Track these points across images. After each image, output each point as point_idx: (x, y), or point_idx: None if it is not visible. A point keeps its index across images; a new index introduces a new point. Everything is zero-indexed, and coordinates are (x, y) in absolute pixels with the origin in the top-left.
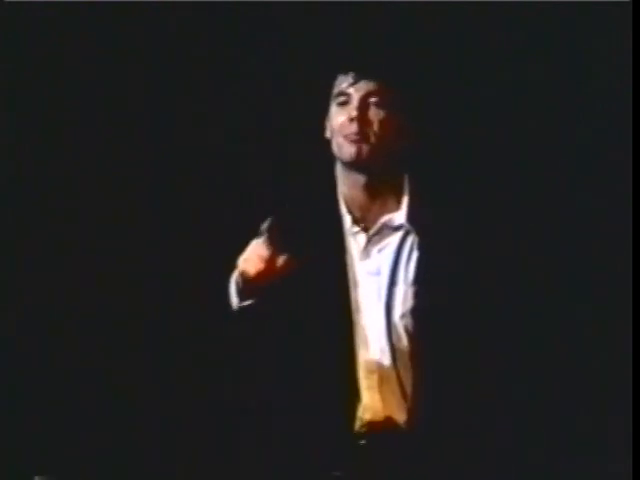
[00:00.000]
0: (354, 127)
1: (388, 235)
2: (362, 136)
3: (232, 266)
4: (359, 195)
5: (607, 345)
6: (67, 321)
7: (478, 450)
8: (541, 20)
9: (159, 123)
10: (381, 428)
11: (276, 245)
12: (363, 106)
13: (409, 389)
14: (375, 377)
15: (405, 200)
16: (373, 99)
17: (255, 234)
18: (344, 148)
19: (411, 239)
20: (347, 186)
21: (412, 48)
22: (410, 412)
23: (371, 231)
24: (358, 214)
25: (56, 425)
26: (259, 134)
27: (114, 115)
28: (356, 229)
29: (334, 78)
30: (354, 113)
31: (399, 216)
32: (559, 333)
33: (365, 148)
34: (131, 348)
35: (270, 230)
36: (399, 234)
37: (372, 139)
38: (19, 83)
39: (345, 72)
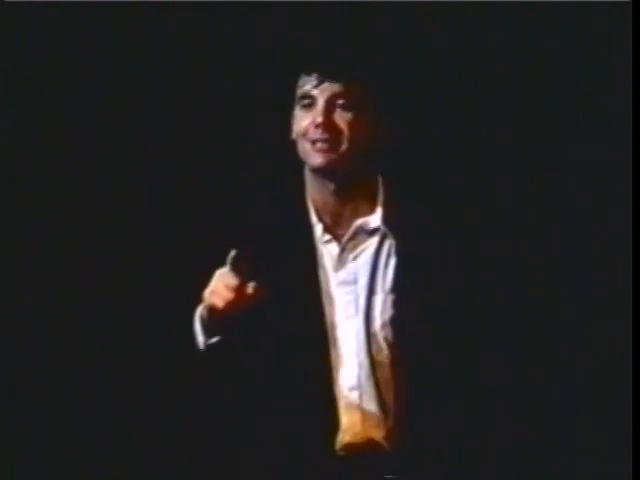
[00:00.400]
0: (320, 133)
1: (363, 240)
2: (330, 143)
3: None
4: (330, 199)
5: (607, 345)
6: (67, 321)
7: (465, 466)
8: (541, 20)
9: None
10: (361, 449)
11: (243, 273)
12: (329, 110)
13: (391, 405)
14: (355, 394)
15: (380, 201)
16: (340, 101)
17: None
18: (311, 155)
19: (388, 243)
20: (317, 190)
21: (377, 46)
22: (392, 430)
23: (345, 237)
24: (330, 220)
25: (56, 425)
26: (223, 138)
27: (114, 115)
28: (328, 237)
29: (297, 79)
30: (320, 119)
31: (374, 219)
32: (552, 335)
33: (333, 156)
34: (132, 348)
35: (235, 261)
36: (375, 238)
37: (341, 145)
38: (19, 83)
39: (308, 73)
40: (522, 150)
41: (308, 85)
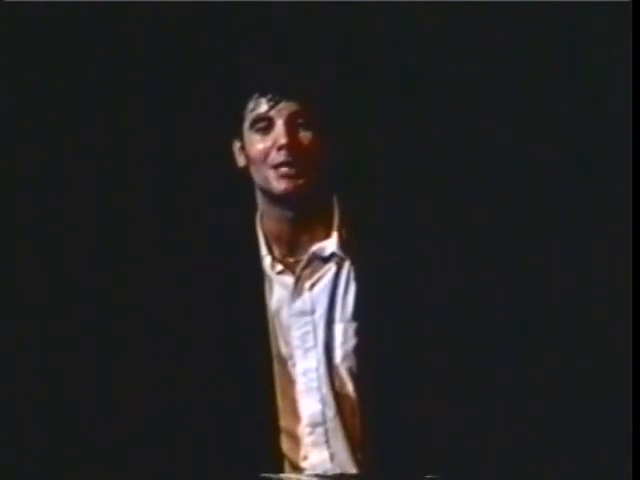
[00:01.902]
0: (284, 156)
1: (320, 267)
2: (296, 167)
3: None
4: (287, 227)
5: (607, 345)
6: (67, 321)
7: None
8: (541, 20)
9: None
10: None
11: None
12: (291, 130)
13: (360, 439)
14: (320, 431)
15: (336, 224)
16: (299, 120)
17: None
18: (275, 182)
19: (347, 268)
20: (273, 218)
21: (332, 59)
22: (363, 465)
23: (299, 265)
24: (285, 249)
25: (54, 426)
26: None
27: (114, 115)
28: (280, 268)
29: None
30: (283, 140)
31: (330, 244)
32: (525, 366)
33: (300, 181)
34: (131, 349)
35: None
36: (332, 264)
37: (307, 168)
38: (19, 83)
39: (260, 94)
40: (512, 153)
41: (263, 107)
